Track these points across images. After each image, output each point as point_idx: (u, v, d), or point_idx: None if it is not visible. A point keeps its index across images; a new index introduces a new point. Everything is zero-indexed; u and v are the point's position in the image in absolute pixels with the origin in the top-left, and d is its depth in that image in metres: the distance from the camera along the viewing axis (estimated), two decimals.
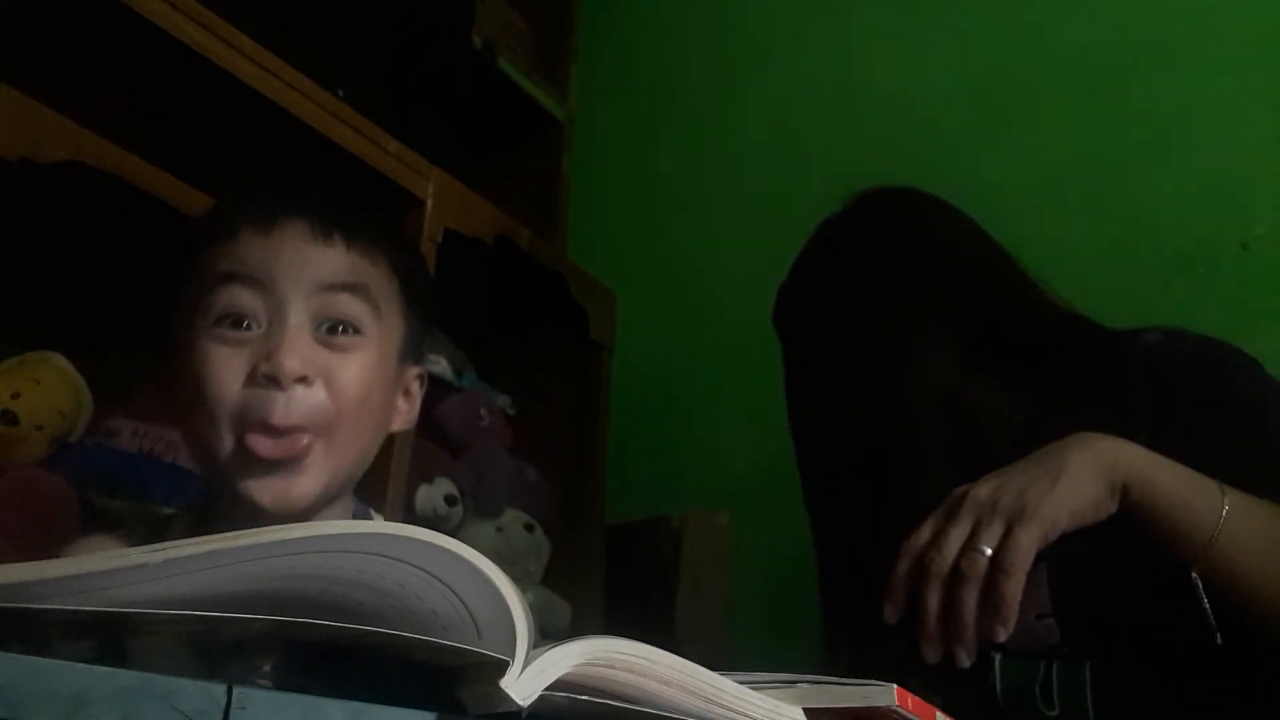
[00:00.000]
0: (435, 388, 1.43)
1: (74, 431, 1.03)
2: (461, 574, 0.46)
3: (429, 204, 1.34)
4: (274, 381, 0.63)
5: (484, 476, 1.41)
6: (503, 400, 1.56)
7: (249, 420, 0.64)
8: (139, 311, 1.20)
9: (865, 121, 1.67)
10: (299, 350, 0.65)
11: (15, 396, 0.97)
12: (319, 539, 0.45)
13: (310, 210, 0.70)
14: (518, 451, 1.50)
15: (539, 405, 1.59)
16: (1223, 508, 0.77)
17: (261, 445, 0.64)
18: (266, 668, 0.49)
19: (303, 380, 0.65)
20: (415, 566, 0.46)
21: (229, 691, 0.39)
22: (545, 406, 1.59)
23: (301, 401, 0.65)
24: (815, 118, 1.73)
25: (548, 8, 1.93)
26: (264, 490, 0.65)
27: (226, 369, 0.64)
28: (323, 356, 0.66)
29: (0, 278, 1.13)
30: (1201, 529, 0.77)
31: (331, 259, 0.69)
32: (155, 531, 0.79)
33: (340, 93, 1.28)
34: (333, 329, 0.68)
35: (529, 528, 1.42)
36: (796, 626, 1.42)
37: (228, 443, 0.65)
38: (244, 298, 0.66)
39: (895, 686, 0.58)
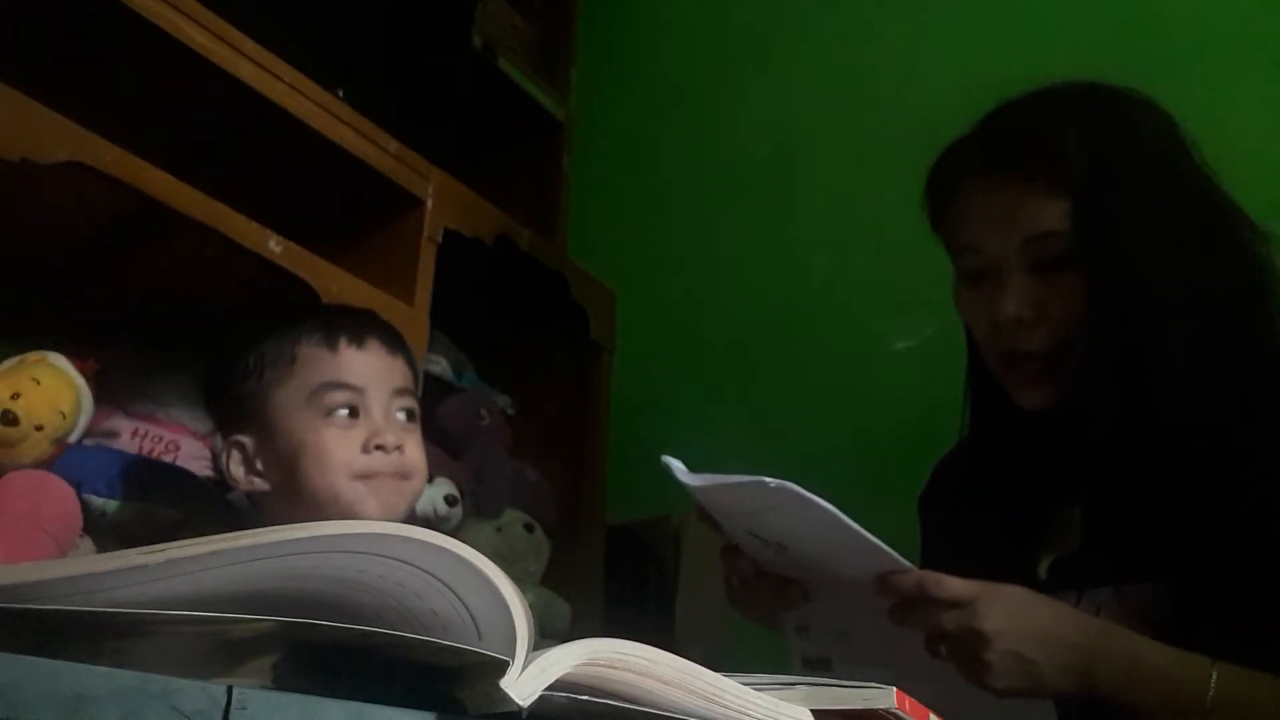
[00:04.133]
0: (436, 388, 1.43)
1: (74, 431, 1.03)
2: (461, 574, 0.46)
3: (429, 204, 1.34)
4: (382, 449, 0.95)
5: (484, 477, 1.41)
6: (503, 400, 1.56)
7: (368, 473, 0.95)
8: (139, 312, 1.20)
9: (865, 121, 1.67)
10: (394, 431, 0.97)
11: (15, 396, 0.97)
12: (319, 539, 0.45)
13: (381, 329, 1.01)
14: (518, 451, 1.50)
15: (539, 405, 1.59)
16: (1209, 688, 0.77)
17: (378, 481, 0.95)
18: (267, 668, 0.49)
19: (399, 449, 0.96)
20: (415, 566, 0.46)
21: (229, 692, 0.39)
22: (545, 406, 1.59)
23: (399, 462, 0.97)
24: (815, 118, 1.73)
25: (548, 8, 1.93)
26: (373, 508, 0.94)
27: (346, 444, 0.95)
28: (403, 435, 0.98)
29: (0, 278, 1.13)
30: (1186, 710, 0.77)
31: (398, 369, 1.00)
32: (161, 535, 0.86)
33: (340, 93, 1.28)
34: (407, 415, 1.00)
35: (529, 528, 1.42)
36: None
37: (348, 486, 0.94)
38: (349, 398, 0.96)
39: (894, 689, 0.58)
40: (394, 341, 1.02)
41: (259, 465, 0.97)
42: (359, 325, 1.01)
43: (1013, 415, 0.98)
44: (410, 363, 1.03)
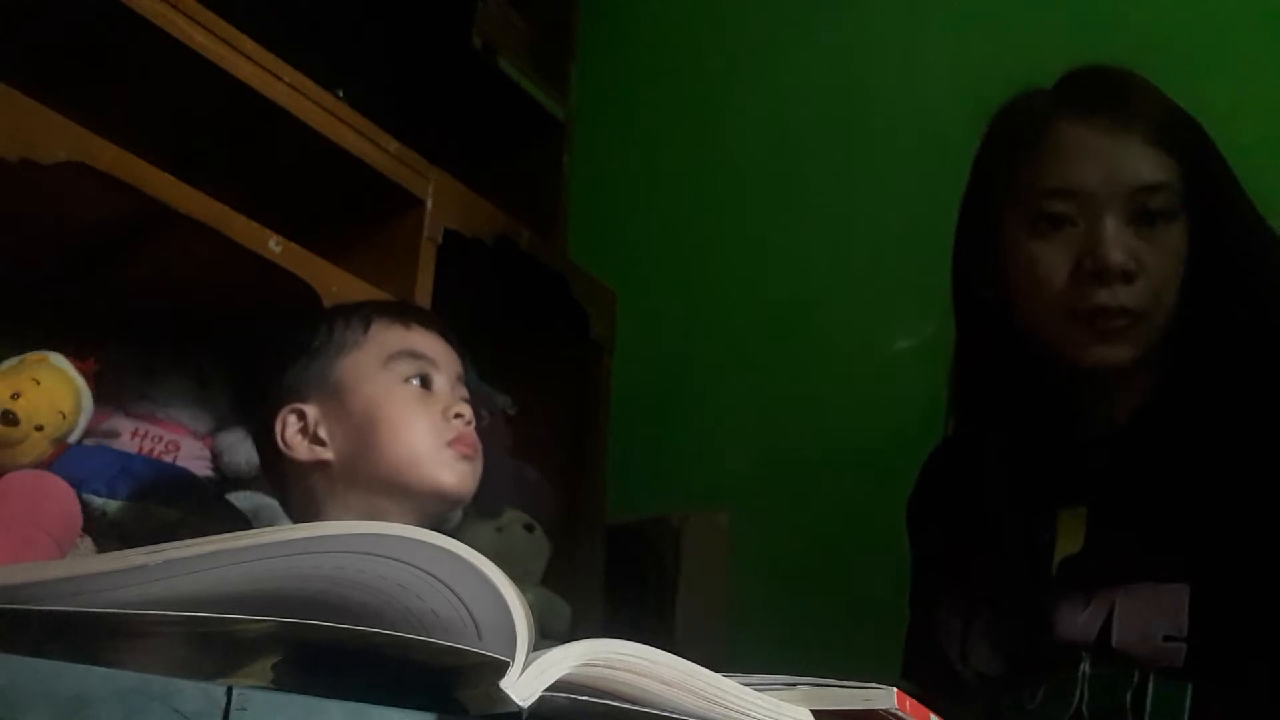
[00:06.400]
0: None
1: (74, 432, 1.03)
2: (462, 575, 0.46)
3: (429, 204, 1.34)
4: (461, 417, 0.98)
5: (484, 476, 1.40)
6: (503, 400, 1.56)
7: (451, 439, 0.96)
8: (139, 312, 1.20)
9: (865, 121, 1.67)
10: (467, 406, 0.99)
11: (15, 397, 0.97)
12: (319, 539, 0.45)
13: (444, 324, 1.04)
14: (518, 451, 1.50)
15: (539, 405, 1.58)
16: None
17: (462, 448, 0.97)
18: (267, 668, 0.49)
19: (470, 423, 0.99)
20: (415, 567, 0.46)
21: (229, 692, 0.39)
22: (545, 406, 1.59)
23: (472, 435, 0.99)
24: (815, 118, 1.73)
25: (548, 8, 1.93)
26: (454, 475, 0.96)
27: (426, 412, 0.96)
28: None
29: (0, 278, 1.13)
30: None
31: (456, 357, 1.03)
32: (161, 535, 0.85)
33: (340, 93, 1.28)
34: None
35: (529, 528, 1.42)
36: (797, 627, 1.42)
37: (435, 449, 0.95)
38: (423, 366, 0.98)
39: (895, 690, 0.58)
40: (453, 339, 1.04)
41: (322, 434, 0.95)
42: (426, 313, 1.06)
43: (1011, 411, 0.98)
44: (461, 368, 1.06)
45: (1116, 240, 0.89)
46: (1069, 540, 0.95)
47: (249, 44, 1.16)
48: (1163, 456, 0.89)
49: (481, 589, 0.47)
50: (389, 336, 0.99)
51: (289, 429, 0.96)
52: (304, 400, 0.96)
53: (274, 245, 1.15)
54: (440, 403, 0.97)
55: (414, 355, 0.98)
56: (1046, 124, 0.94)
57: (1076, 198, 0.91)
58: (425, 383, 0.98)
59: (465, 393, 1.02)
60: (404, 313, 1.02)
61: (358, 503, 0.94)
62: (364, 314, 1.00)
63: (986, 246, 0.99)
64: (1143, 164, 0.90)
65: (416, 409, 0.96)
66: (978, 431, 1.05)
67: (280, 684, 0.49)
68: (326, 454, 0.95)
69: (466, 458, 0.97)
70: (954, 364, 1.05)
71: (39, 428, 0.98)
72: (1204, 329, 0.89)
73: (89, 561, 0.43)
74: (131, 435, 1.17)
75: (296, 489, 0.98)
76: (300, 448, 0.95)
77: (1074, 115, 0.93)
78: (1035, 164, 0.94)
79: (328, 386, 0.97)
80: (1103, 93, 0.95)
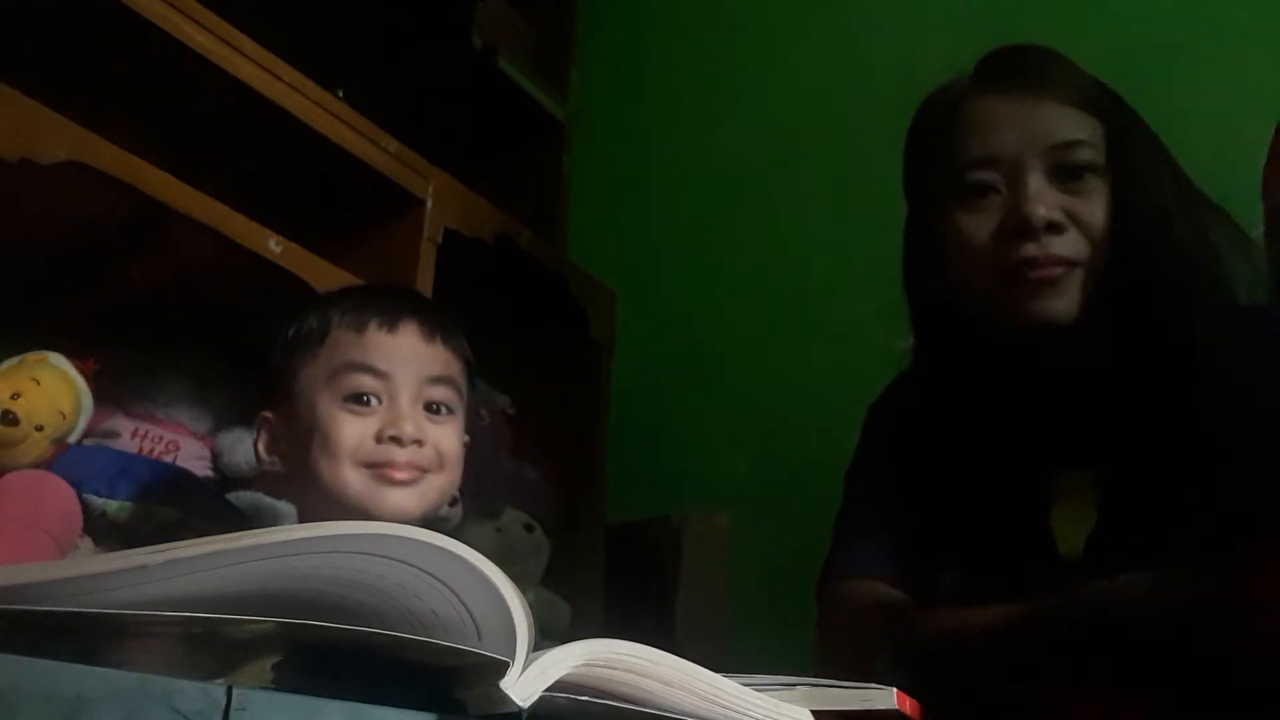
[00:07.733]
0: None
1: (74, 432, 1.03)
2: (461, 575, 0.46)
3: (429, 204, 1.34)
4: (397, 441, 0.90)
5: (483, 476, 1.40)
6: (503, 400, 1.56)
7: (378, 463, 0.89)
8: (139, 312, 1.20)
9: (865, 121, 1.67)
10: (414, 422, 0.91)
11: (15, 397, 0.97)
12: (320, 540, 0.45)
13: (420, 312, 0.96)
14: (518, 451, 1.50)
15: (539, 405, 1.59)
16: None
17: (394, 473, 0.90)
18: (267, 668, 0.49)
19: (416, 442, 0.90)
20: (415, 567, 0.46)
21: (229, 692, 0.39)
22: (545, 406, 1.59)
23: (416, 455, 0.91)
24: (815, 117, 1.73)
25: (548, 8, 1.93)
26: (388, 503, 0.89)
27: (357, 433, 0.90)
28: (428, 427, 0.92)
29: (1, 278, 1.13)
30: None
31: (435, 356, 0.95)
32: (161, 535, 0.85)
33: (340, 93, 1.28)
34: (432, 409, 0.93)
35: (528, 528, 1.42)
36: (797, 628, 1.42)
37: (355, 477, 0.89)
38: (370, 383, 0.91)
39: (895, 690, 0.59)
40: (434, 325, 0.96)
41: (281, 446, 0.93)
42: (394, 307, 0.95)
43: (975, 401, 0.96)
44: (455, 347, 0.98)
45: (1039, 196, 0.89)
46: (1070, 504, 0.92)
47: (249, 44, 1.16)
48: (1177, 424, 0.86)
49: (481, 589, 0.47)
50: (338, 350, 0.92)
51: (260, 438, 0.95)
52: (271, 408, 0.95)
53: (274, 245, 1.15)
54: (379, 422, 0.90)
55: (360, 369, 0.91)
56: (964, 103, 0.95)
57: (998, 164, 0.92)
58: (364, 399, 0.91)
59: (440, 393, 0.94)
60: (364, 313, 0.94)
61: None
62: (325, 316, 0.94)
63: (928, 239, 0.98)
64: (1061, 122, 0.91)
65: (343, 433, 0.89)
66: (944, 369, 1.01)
67: (280, 684, 0.49)
68: (280, 467, 0.94)
69: (400, 483, 0.90)
70: (913, 360, 1.04)
71: (39, 428, 0.98)
72: (1141, 286, 0.89)
73: (89, 561, 0.43)
74: (131, 435, 1.17)
75: (271, 494, 0.96)
76: (265, 459, 0.94)
77: (991, 90, 0.95)
78: (957, 141, 0.94)
79: (287, 398, 0.94)
80: (1018, 66, 0.96)
